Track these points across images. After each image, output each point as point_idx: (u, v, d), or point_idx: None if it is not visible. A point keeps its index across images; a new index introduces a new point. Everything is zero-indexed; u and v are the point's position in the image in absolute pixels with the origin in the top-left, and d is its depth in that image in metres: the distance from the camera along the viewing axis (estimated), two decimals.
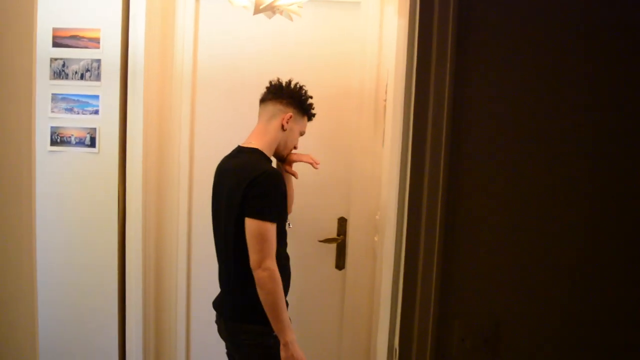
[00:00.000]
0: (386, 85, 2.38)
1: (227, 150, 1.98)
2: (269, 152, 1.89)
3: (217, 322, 1.97)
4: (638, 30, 1.11)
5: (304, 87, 1.95)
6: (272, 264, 1.68)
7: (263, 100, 1.93)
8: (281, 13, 2.00)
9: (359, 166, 2.48)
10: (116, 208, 2.33)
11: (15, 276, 1.28)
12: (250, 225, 1.70)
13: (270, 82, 1.95)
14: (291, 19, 2.05)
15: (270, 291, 1.68)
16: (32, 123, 1.27)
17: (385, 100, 2.38)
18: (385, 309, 1.31)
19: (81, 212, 2.33)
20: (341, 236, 2.55)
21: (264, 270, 1.67)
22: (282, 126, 1.88)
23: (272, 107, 1.90)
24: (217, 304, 1.96)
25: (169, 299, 2.58)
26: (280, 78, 1.95)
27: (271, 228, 1.70)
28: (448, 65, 1.12)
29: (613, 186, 1.15)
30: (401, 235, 1.19)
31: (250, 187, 1.69)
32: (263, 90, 1.95)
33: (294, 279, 1.95)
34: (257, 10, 1.85)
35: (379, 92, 2.45)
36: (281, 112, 1.88)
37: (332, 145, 2.49)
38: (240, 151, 1.89)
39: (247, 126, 2.48)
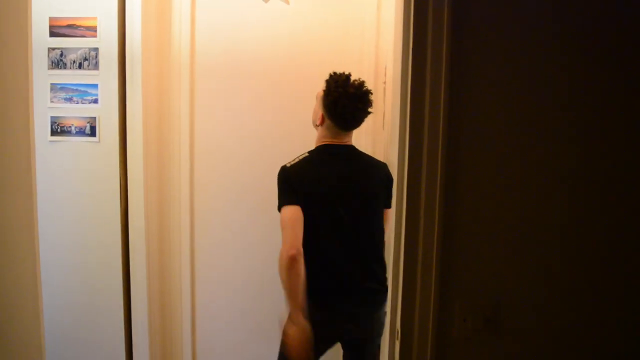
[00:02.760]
0: (385, 68, 2.36)
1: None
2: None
3: (351, 322, 1.93)
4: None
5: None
6: None
7: None
8: None
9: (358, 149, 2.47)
10: (118, 197, 2.33)
11: (17, 276, 1.25)
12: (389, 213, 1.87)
13: None
14: (287, 2, 2.03)
15: None
16: (30, 114, 1.27)
17: (384, 83, 2.37)
18: None
19: (83, 202, 2.33)
20: None
21: None
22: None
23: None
24: (363, 298, 1.93)
25: (173, 289, 2.59)
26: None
27: None
28: (444, 44, 1.10)
29: (609, 174, 1.14)
30: (401, 217, 1.19)
31: (390, 181, 1.81)
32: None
33: None
34: None
35: (378, 75, 2.43)
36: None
37: None
38: (354, 150, 1.99)
39: (245, 112, 2.48)
